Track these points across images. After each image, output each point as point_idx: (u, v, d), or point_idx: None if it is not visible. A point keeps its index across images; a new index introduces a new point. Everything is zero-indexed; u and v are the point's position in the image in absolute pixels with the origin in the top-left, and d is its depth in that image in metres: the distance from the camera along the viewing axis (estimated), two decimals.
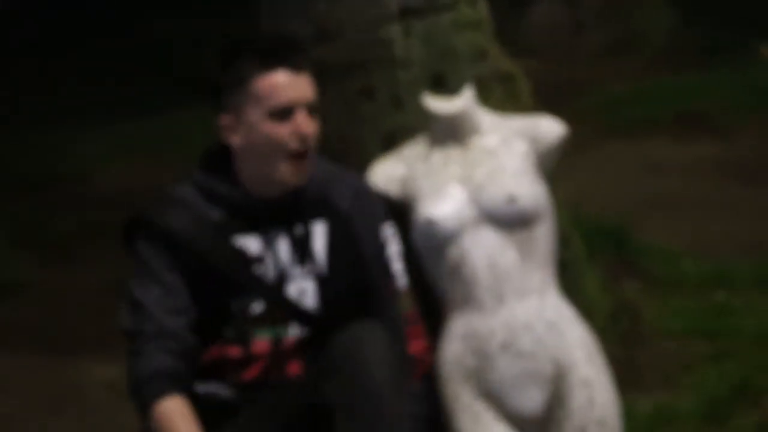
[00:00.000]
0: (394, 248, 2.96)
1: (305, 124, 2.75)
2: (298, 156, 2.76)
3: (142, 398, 2.72)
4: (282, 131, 2.74)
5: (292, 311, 2.82)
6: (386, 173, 3.14)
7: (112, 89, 8.12)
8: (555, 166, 3.17)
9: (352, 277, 2.87)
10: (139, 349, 2.74)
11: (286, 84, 2.74)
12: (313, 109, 2.78)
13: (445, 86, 3.26)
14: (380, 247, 2.93)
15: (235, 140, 2.79)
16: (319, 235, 2.86)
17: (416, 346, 2.96)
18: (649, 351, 3.73)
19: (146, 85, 8.24)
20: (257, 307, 2.81)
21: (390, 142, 3.25)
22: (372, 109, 3.30)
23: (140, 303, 2.76)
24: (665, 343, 3.79)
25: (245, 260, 2.80)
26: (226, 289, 2.79)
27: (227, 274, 2.78)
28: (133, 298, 2.78)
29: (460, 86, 3.17)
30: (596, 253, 4.02)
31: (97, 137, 7.16)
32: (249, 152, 2.80)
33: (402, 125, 3.26)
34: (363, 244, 2.90)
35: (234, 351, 2.80)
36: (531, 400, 2.95)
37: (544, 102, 7.02)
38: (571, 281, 3.42)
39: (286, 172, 2.77)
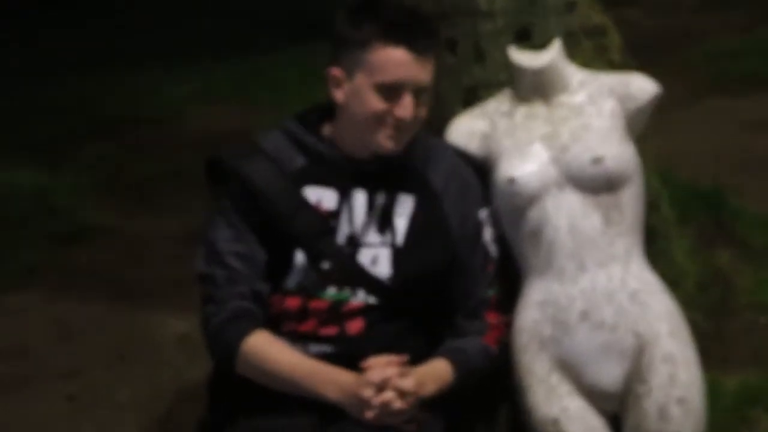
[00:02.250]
0: (488, 233, 2.90)
1: (406, 109, 2.74)
2: (393, 128, 2.75)
3: (224, 342, 2.73)
4: (382, 107, 2.74)
5: (359, 276, 2.78)
6: (467, 129, 3.04)
7: (204, 30, 8.04)
8: (646, 127, 3.03)
9: (433, 256, 2.82)
10: (213, 295, 2.75)
11: (401, 63, 2.73)
12: (424, 92, 2.77)
13: (530, 39, 3.10)
14: (474, 230, 2.88)
15: (339, 95, 2.80)
16: (405, 208, 2.83)
17: (492, 317, 2.89)
18: (740, 324, 3.55)
19: (239, 26, 8.14)
20: (325, 264, 2.78)
21: (471, 97, 3.12)
22: (454, 63, 3.15)
23: (213, 245, 2.78)
24: (758, 317, 3.60)
25: (317, 213, 2.77)
26: (293, 240, 2.77)
27: (301, 232, 2.76)
28: (207, 239, 2.80)
29: (546, 40, 3.05)
30: (688, 219, 3.84)
31: (187, 79, 7.11)
32: (348, 112, 2.80)
33: (484, 80, 3.12)
34: (451, 226, 2.85)
35: (293, 302, 2.78)
36: (609, 374, 2.83)
37: (645, 53, 6.83)
38: (658, 248, 3.27)
39: (379, 140, 2.77)
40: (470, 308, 2.87)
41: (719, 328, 3.45)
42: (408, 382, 2.65)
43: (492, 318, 2.89)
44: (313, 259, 2.78)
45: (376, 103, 2.74)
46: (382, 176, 2.81)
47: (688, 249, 3.53)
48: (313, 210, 2.79)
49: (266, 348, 2.73)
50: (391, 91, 2.74)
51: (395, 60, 2.73)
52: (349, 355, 2.74)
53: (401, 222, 2.82)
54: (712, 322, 3.42)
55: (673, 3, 7.61)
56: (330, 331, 2.77)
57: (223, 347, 2.75)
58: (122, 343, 3.98)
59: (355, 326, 2.78)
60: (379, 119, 2.75)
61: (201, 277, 2.80)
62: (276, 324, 2.79)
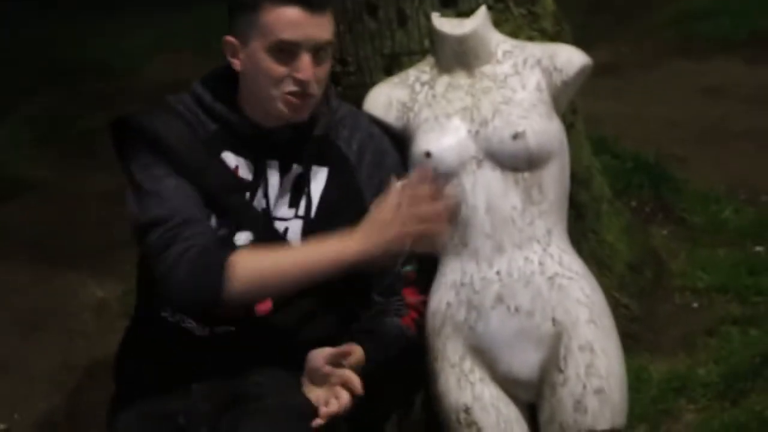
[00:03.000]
0: None
1: (305, 70, 2.62)
2: (294, 95, 2.64)
3: (207, 267, 2.52)
4: (279, 70, 2.63)
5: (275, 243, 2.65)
6: (385, 98, 2.92)
7: None
8: (574, 99, 2.86)
9: (345, 227, 2.64)
10: (176, 235, 2.55)
11: (295, 22, 2.61)
12: (323, 51, 2.66)
13: (455, 6, 2.96)
14: None
15: (236, 64, 2.69)
16: (319, 180, 2.73)
17: (410, 295, 2.79)
18: (670, 308, 3.44)
19: None
20: (242, 237, 2.66)
21: (393, 65, 2.98)
22: (375, 28, 3.00)
23: (156, 194, 2.60)
24: (689, 300, 3.49)
25: (235, 180, 2.66)
26: (212, 210, 2.64)
27: (216, 191, 2.64)
28: (146, 190, 2.61)
29: (472, 6, 2.92)
30: (629, 192, 3.69)
31: (145, 26, 6.91)
32: (248, 80, 2.69)
33: (407, 47, 2.98)
34: (366, 197, 2.73)
35: None
36: (525, 361, 2.72)
37: (609, 11, 6.65)
38: (587, 227, 3.18)
39: (281, 108, 2.65)
40: (386, 285, 2.76)
41: (650, 312, 3.35)
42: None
43: (410, 295, 2.78)
44: (226, 226, 2.64)
45: (272, 66, 2.62)
46: (294, 147, 2.70)
47: (623, 226, 3.41)
48: (228, 171, 2.66)
49: (256, 253, 2.57)
50: (286, 53, 2.62)
51: (286, 19, 2.61)
52: (255, 335, 2.63)
53: (315, 195, 2.71)
54: (643, 306, 3.32)
55: None
56: (236, 312, 2.64)
57: (206, 279, 2.53)
58: (38, 309, 3.88)
59: (262, 307, 2.66)
60: (277, 84, 2.63)
61: (150, 224, 2.58)
62: None
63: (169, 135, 2.64)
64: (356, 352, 2.62)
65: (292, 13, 2.60)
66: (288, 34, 2.60)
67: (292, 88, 2.62)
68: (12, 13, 7.42)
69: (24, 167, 5.21)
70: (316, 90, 2.65)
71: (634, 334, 3.12)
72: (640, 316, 3.30)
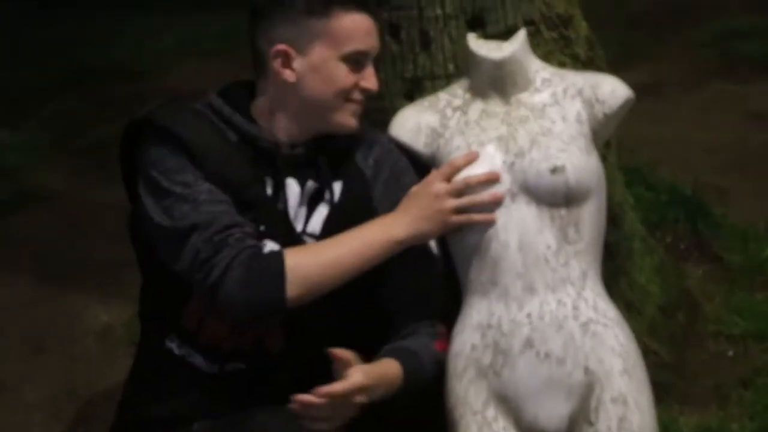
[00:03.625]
0: None
1: (373, 79, 2.59)
2: (359, 105, 2.60)
3: (265, 270, 2.44)
4: (350, 79, 2.57)
5: (296, 241, 2.56)
6: (414, 123, 2.79)
7: None
8: (613, 133, 2.80)
9: None
10: (221, 242, 2.43)
11: (367, 30, 2.57)
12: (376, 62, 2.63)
13: (483, 28, 2.85)
14: None
15: (289, 75, 2.56)
16: (333, 196, 2.63)
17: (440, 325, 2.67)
18: (704, 355, 3.31)
19: None
20: (269, 246, 2.52)
21: (415, 89, 2.89)
22: (397, 50, 2.89)
23: (190, 198, 2.46)
24: (724, 348, 3.35)
25: (265, 191, 2.54)
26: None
27: (248, 201, 2.51)
28: (177, 195, 2.47)
29: (500, 29, 2.84)
30: (665, 227, 3.54)
31: (171, 29, 6.85)
32: (301, 92, 2.56)
33: (430, 71, 2.88)
34: (379, 215, 2.61)
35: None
36: (553, 412, 2.58)
37: (647, 29, 6.50)
38: (618, 268, 3.07)
39: (342, 119, 2.59)
40: (413, 314, 2.63)
41: (682, 359, 3.24)
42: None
43: (439, 325, 2.65)
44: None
45: (345, 76, 2.56)
46: (312, 163, 2.60)
47: (656, 266, 3.28)
48: (262, 182, 2.55)
49: (306, 251, 2.50)
50: (358, 62, 2.56)
51: (361, 27, 2.55)
52: (266, 373, 2.54)
53: (325, 210, 2.60)
54: (674, 353, 3.19)
55: None
56: (245, 343, 2.53)
57: (265, 282, 2.44)
58: (40, 330, 3.77)
59: (275, 342, 2.56)
60: (346, 94, 2.57)
61: (193, 228, 2.44)
62: (194, 334, 2.55)
63: (196, 137, 2.51)
64: (391, 368, 2.50)
65: (362, 20, 2.55)
66: (363, 44, 2.55)
67: (358, 97, 2.57)
68: (31, 12, 7.31)
69: (38, 176, 5.11)
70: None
71: (664, 382, 2.98)
72: (671, 364, 3.18)
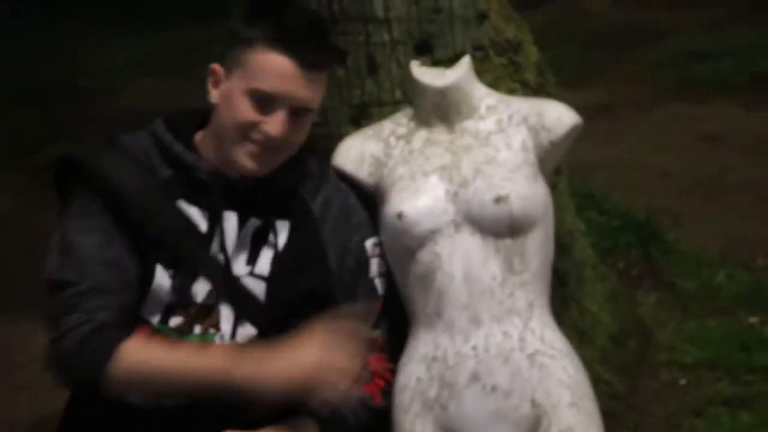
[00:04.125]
0: (375, 266, 2.61)
1: (277, 126, 2.44)
2: (257, 145, 2.46)
3: (91, 353, 2.37)
4: (250, 116, 2.45)
5: (243, 301, 2.48)
6: (358, 152, 2.74)
7: None
8: (562, 160, 2.67)
9: (307, 286, 2.53)
10: (77, 304, 2.40)
11: (283, 74, 2.44)
12: (305, 115, 2.48)
13: (431, 53, 2.78)
14: (356, 261, 2.59)
15: (215, 95, 2.52)
16: (280, 235, 2.54)
17: (376, 362, 2.58)
18: (655, 385, 3.26)
19: None
20: (200, 287, 2.47)
21: (361, 115, 2.82)
22: (343, 76, 2.82)
23: (75, 249, 2.43)
24: (676, 377, 3.30)
25: (190, 227, 2.47)
26: (166, 262, 2.45)
27: (169, 238, 2.46)
28: (66, 242, 2.44)
29: (449, 54, 2.77)
30: (617, 253, 3.49)
31: (125, 47, 6.70)
32: (219, 116, 2.51)
33: (377, 97, 2.81)
34: (329, 255, 2.57)
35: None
36: None
37: (608, 48, 6.50)
38: (569, 295, 3.02)
39: (240, 157, 2.47)
40: None
41: (634, 389, 3.19)
42: None
43: (377, 362, 2.57)
44: (182, 279, 2.45)
45: (245, 110, 2.44)
46: (256, 198, 2.51)
47: (608, 293, 3.23)
48: (183, 217, 2.47)
49: (149, 346, 2.38)
50: (264, 103, 2.44)
51: (276, 68, 2.43)
52: (204, 411, 2.42)
53: (271, 251, 2.51)
54: (626, 382, 3.13)
55: None
56: None
57: (90, 359, 2.37)
58: None
59: None
60: (244, 130, 2.45)
61: (58, 284, 2.42)
62: None
63: (120, 179, 2.45)
64: (309, 428, 2.44)
65: (283, 63, 2.43)
66: (269, 85, 2.43)
67: (257, 137, 2.45)
68: None
69: None
70: (284, 149, 2.46)
71: (616, 412, 2.93)
72: (623, 393, 3.13)
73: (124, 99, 6.04)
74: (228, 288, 2.47)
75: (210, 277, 2.46)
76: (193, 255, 2.46)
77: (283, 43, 2.42)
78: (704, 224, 4.10)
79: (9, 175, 5.24)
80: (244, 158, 2.45)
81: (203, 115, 2.57)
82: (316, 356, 2.29)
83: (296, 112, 2.45)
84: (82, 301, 2.39)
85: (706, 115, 5.32)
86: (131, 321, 2.44)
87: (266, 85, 2.42)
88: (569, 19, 6.60)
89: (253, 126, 2.44)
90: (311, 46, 2.44)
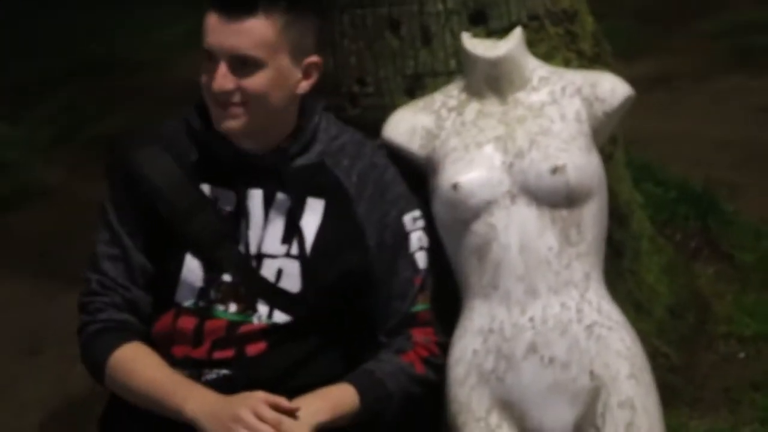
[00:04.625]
0: (416, 240, 2.58)
1: (216, 79, 2.43)
2: (216, 105, 2.48)
3: (92, 356, 2.53)
4: (205, 79, 2.48)
5: (264, 291, 2.51)
6: (409, 124, 2.71)
7: None
8: (614, 132, 2.66)
9: (346, 267, 2.53)
10: (86, 303, 2.55)
11: (210, 28, 2.45)
12: (249, 63, 2.44)
13: (486, 23, 2.76)
14: (395, 237, 2.57)
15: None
16: (314, 213, 2.54)
17: (419, 334, 2.56)
18: (714, 357, 3.20)
19: None
20: (226, 276, 2.51)
21: (416, 86, 2.79)
22: (396, 46, 2.79)
23: (94, 246, 2.56)
24: (735, 350, 3.24)
25: (218, 215, 2.50)
26: (187, 245, 2.50)
27: (192, 226, 2.49)
28: (107, 233, 2.56)
29: (504, 24, 2.76)
30: (674, 225, 3.46)
31: (177, 20, 6.72)
32: None
33: (431, 67, 2.78)
34: (366, 233, 2.55)
35: (187, 323, 2.51)
36: (558, 417, 2.52)
37: (658, 20, 6.42)
38: (625, 267, 2.99)
39: (218, 121, 2.49)
40: (392, 326, 2.56)
41: (691, 362, 3.13)
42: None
43: (420, 335, 2.56)
44: (210, 268, 2.49)
45: (202, 74, 2.48)
46: (279, 174, 2.52)
47: (665, 265, 3.20)
48: (214, 211, 2.51)
49: (132, 363, 2.48)
50: (210, 62, 2.45)
51: (208, 25, 2.45)
52: (247, 377, 2.45)
53: (309, 230, 2.52)
54: (683, 355, 3.09)
55: None
56: (226, 353, 2.48)
57: (91, 361, 2.54)
58: (38, 330, 3.71)
59: (255, 348, 2.49)
60: (207, 95, 2.48)
61: (83, 280, 2.58)
62: (167, 346, 2.51)
63: (155, 178, 2.51)
64: (346, 393, 2.45)
65: (210, 18, 2.45)
66: (205, 41, 2.45)
67: (212, 97, 2.46)
68: (32, 4, 7.24)
69: (37, 171, 5.04)
70: (246, 100, 2.45)
71: (673, 385, 2.90)
72: (680, 366, 3.09)
73: (175, 71, 6.02)
74: (256, 289, 2.49)
75: (233, 273, 2.49)
76: (220, 254, 2.49)
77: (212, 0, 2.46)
78: (763, 195, 4.04)
79: (64, 149, 5.29)
80: (220, 123, 2.47)
81: None
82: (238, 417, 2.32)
83: (235, 63, 2.42)
84: (90, 300, 2.53)
85: (763, 86, 5.23)
86: (138, 316, 2.53)
87: (205, 42, 2.45)
88: None
89: (205, 88, 2.46)
90: None
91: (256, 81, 2.45)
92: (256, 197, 2.51)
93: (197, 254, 2.49)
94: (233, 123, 2.46)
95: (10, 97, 5.79)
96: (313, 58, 2.52)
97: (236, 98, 2.44)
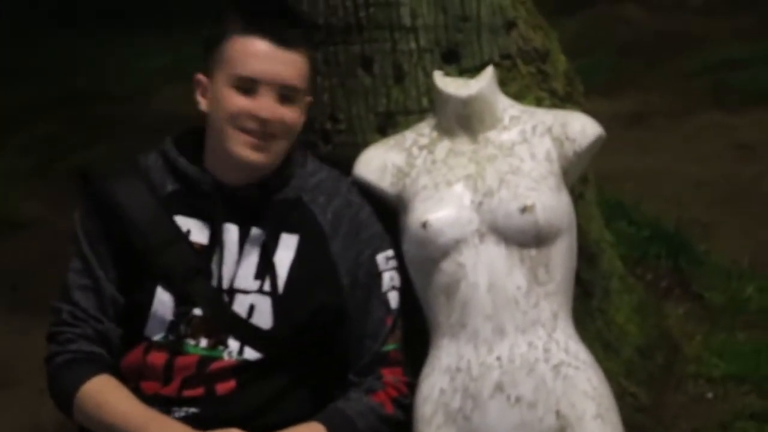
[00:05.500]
0: (388, 280, 2.58)
1: (266, 108, 2.44)
2: (253, 134, 2.45)
3: (61, 388, 2.50)
4: (240, 104, 2.44)
5: (235, 327, 2.48)
6: (380, 161, 2.71)
7: None
8: (584, 171, 2.73)
9: (318, 305, 2.53)
10: (56, 333, 2.53)
11: (260, 55, 2.44)
12: (292, 95, 2.47)
13: (458, 62, 2.75)
14: (368, 276, 2.57)
15: (203, 103, 2.53)
16: (288, 249, 2.53)
17: (389, 374, 2.56)
18: (682, 398, 3.19)
19: None
20: (196, 310, 2.50)
21: (388, 123, 2.78)
22: (369, 83, 2.78)
23: (66, 276, 2.55)
24: (703, 390, 3.23)
25: (191, 248, 2.48)
26: (158, 278, 2.49)
27: (163, 259, 2.48)
28: (78, 266, 2.55)
29: (476, 63, 2.75)
30: (646, 263, 3.46)
31: (158, 52, 6.76)
32: (212, 121, 2.51)
33: (403, 105, 2.77)
34: (340, 271, 2.55)
35: (156, 358, 2.49)
36: None
37: (641, 56, 6.44)
38: (594, 305, 2.98)
39: (239, 149, 2.46)
40: (363, 365, 2.56)
41: (660, 402, 3.11)
42: None
43: (390, 374, 2.56)
44: (182, 302, 2.47)
45: (233, 100, 2.44)
46: (257, 209, 2.51)
47: (635, 305, 3.19)
48: (188, 244, 2.49)
49: (102, 396, 2.45)
50: (249, 88, 2.44)
51: (251, 51, 2.44)
52: (216, 416, 2.43)
53: (283, 266, 2.51)
54: (652, 395, 3.09)
55: (677, 2, 7.22)
56: (196, 391, 2.47)
57: (59, 391, 2.51)
58: (10, 363, 3.70)
59: (224, 386, 2.47)
60: (235, 121, 2.44)
61: (52, 310, 2.55)
62: (135, 380, 2.50)
63: (129, 209, 2.49)
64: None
65: (259, 45, 2.44)
66: (249, 69, 2.43)
67: (250, 125, 2.44)
68: (15, 32, 7.24)
69: (14, 203, 5.02)
70: (278, 132, 2.45)
71: (642, 425, 2.88)
72: (649, 406, 3.06)
73: (156, 103, 6.05)
74: (227, 325, 2.48)
75: (204, 308, 2.47)
76: (191, 288, 2.47)
77: (255, 25, 2.44)
78: (735, 236, 4.05)
79: (42, 181, 5.26)
80: (243, 149, 2.45)
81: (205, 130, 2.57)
82: None
83: (282, 93, 2.44)
84: (60, 330, 2.51)
85: (740, 125, 5.26)
86: (108, 348, 2.50)
87: (246, 69, 2.43)
88: (603, 27, 6.55)
89: (244, 114, 2.43)
90: (282, 23, 2.46)
91: (294, 113, 2.48)
92: (232, 232, 2.50)
93: (168, 287, 2.47)
94: (264, 156, 2.46)
95: None
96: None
97: (271, 128, 2.44)
